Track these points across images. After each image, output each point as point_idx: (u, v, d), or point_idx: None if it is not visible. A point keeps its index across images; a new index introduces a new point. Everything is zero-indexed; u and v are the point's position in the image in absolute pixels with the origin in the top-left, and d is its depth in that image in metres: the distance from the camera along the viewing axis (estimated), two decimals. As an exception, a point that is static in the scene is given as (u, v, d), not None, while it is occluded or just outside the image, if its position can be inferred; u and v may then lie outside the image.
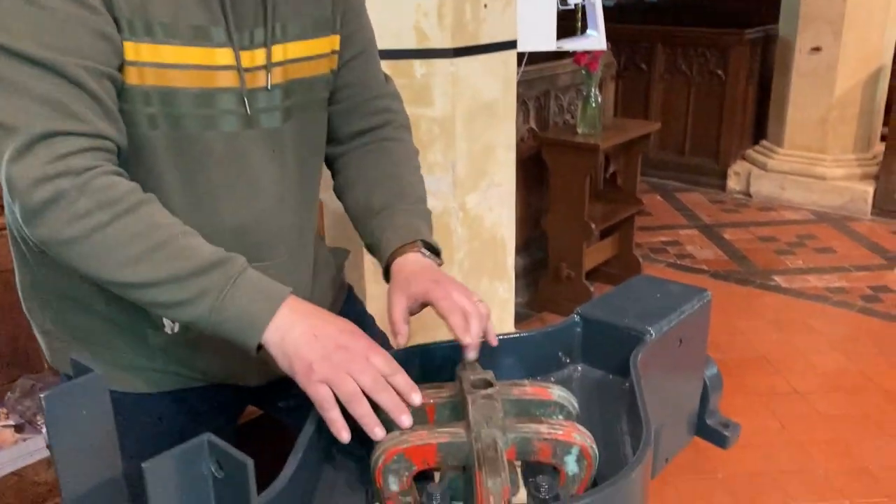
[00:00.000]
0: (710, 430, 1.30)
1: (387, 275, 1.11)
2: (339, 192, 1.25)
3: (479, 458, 0.82)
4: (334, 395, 0.86)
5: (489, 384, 0.92)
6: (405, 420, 0.85)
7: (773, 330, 3.49)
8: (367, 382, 0.86)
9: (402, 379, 0.88)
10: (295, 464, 0.80)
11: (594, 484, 0.91)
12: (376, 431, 0.86)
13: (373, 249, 1.16)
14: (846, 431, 2.72)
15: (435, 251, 1.12)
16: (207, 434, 0.55)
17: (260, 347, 0.90)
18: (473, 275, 2.30)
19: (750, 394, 2.94)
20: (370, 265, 2.16)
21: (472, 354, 0.98)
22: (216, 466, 0.55)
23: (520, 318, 3.37)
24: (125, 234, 0.88)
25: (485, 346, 1.05)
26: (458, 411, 0.92)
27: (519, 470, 0.95)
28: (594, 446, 0.87)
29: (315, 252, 1.18)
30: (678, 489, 2.37)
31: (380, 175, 1.20)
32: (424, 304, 1.04)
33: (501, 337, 1.05)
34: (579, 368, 1.15)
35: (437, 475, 0.96)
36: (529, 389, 0.94)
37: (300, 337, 0.88)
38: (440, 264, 1.12)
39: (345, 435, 0.87)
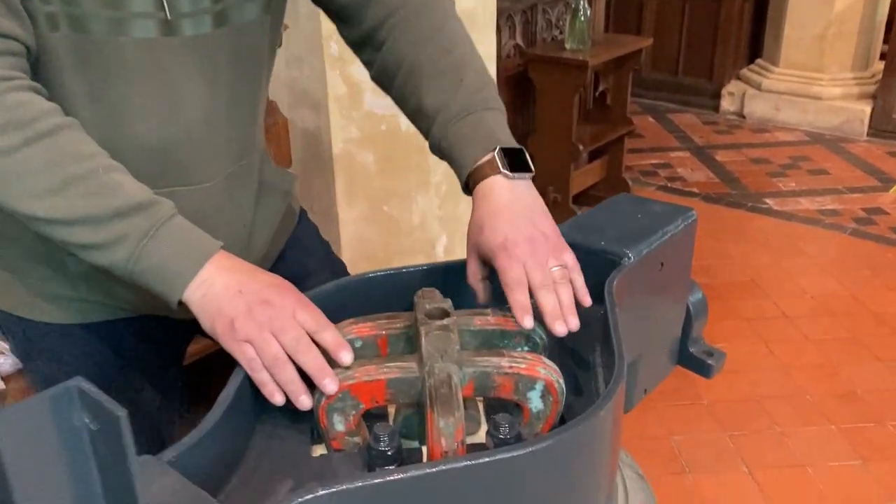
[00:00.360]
0: (693, 358, 1.23)
1: (467, 189, 0.94)
2: (380, 85, 1.05)
3: (431, 396, 0.74)
4: None
5: (445, 313, 0.83)
6: (328, 385, 0.76)
7: (764, 253, 3.42)
8: (287, 342, 0.77)
9: (331, 336, 0.79)
10: (213, 420, 0.71)
11: (562, 421, 0.83)
12: (302, 400, 0.77)
13: (442, 156, 0.97)
14: (834, 355, 2.67)
15: (518, 159, 0.91)
16: (78, 379, 0.46)
17: (181, 303, 0.81)
18: (451, 199, 2.20)
19: (738, 319, 2.88)
20: (343, 189, 2.06)
21: (528, 323, 0.85)
22: (90, 417, 0.46)
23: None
24: (37, 162, 0.77)
25: (445, 271, 0.95)
26: (413, 344, 0.83)
27: (481, 406, 0.87)
28: (560, 381, 0.79)
29: (259, 174, 1.06)
30: (661, 416, 2.33)
31: (424, 57, 0.97)
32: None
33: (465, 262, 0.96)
34: (552, 295, 1.06)
35: (392, 412, 0.88)
36: (492, 319, 0.85)
37: (222, 292, 0.79)
38: (531, 175, 0.92)
39: (278, 398, 0.78)
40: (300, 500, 0.62)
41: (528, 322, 0.84)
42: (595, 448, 0.73)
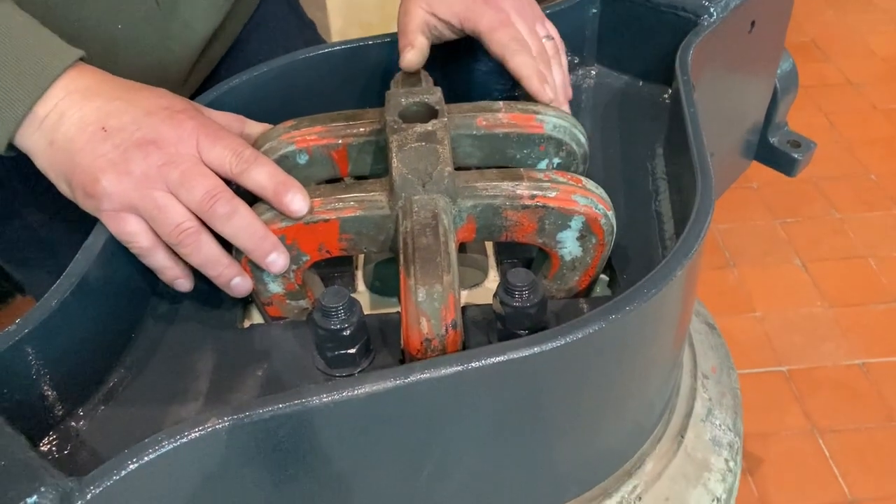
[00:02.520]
0: (774, 151, 0.94)
1: None
2: None
3: (405, 249, 0.47)
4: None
5: (431, 112, 0.54)
6: (275, 261, 0.50)
7: (826, 7, 2.96)
8: (195, 200, 0.49)
9: (266, 171, 0.50)
10: (67, 287, 0.46)
11: (608, 266, 0.57)
12: (237, 284, 0.51)
13: None
14: (905, 127, 2.34)
15: None
16: None
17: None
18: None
19: (794, 87, 2.51)
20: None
21: (549, 93, 0.60)
22: None
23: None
24: None
25: (441, 46, 0.65)
26: (385, 158, 0.55)
27: (491, 251, 0.61)
28: (610, 213, 0.51)
29: None
30: (705, 201, 2.06)
31: None
32: (461, 32, 0.63)
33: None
34: (592, 73, 0.75)
35: (361, 260, 0.61)
36: (505, 117, 0.56)
37: (76, 133, 0.49)
38: None
39: (186, 284, 0.53)
40: (177, 437, 0.37)
41: (549, 92, 0.58)
42: (660, 323, 0.47)
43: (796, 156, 0.93)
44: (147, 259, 0.51)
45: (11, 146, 0.51)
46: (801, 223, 2.03)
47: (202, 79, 0.79)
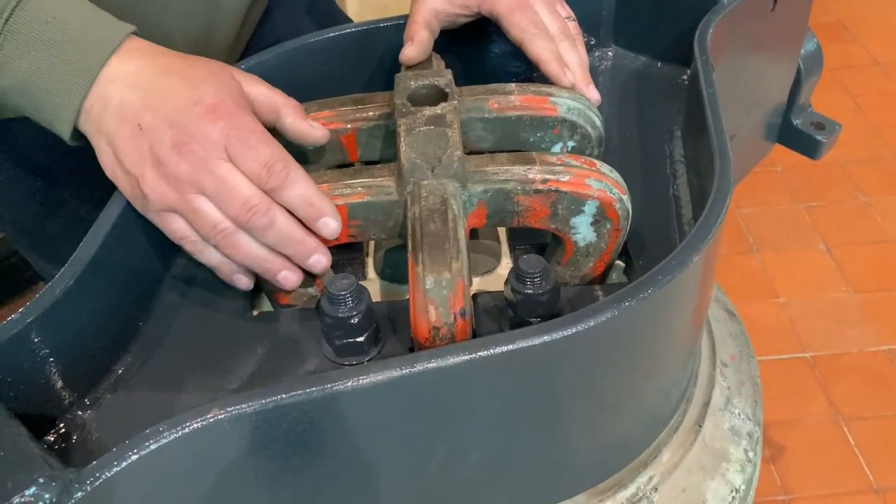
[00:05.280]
0: (797, 134, 0.92)
1: None
2: None
3: (414, 235, 0.46)
4: None
5: (441, 95, 0.52)
6: (318, 262, 0.50)
7: (854, -12, 2.90)
8: (232, 216, 0.48)
9: (298, 196, 0.48)
10: (78, 269, 0.45)
11: (624, 252, 0.55)
12: (285, 277, 0.51)
13: None
14: (934, 109, 2.29)
15: None
16: None
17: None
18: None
19: (820, 68, 2.46)
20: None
21: (570, 77, 0.60)
22: None
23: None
24: None
25: (457, 31, 0.63)
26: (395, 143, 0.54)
27: (503, 237, 0.60)
28: (625, 198, 0.50)
29: None
30: (728, 185, 2.03)
31: None
32: (477, 14, 0.62)
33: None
34: (609, 54, 0.73)
35: (372, 247, 0.61)
36: (518, 99, 0.54)
37: (116, 126, 0.48)
38: None
39: (243, 281, 0.52)
40: (179, 427, 0.37)
41: (569, 76, 0.58)
42: (676, 310, 0.46)
43: (820, 138, 0.91)
44: (200, 257, 0.50)
45: (77, 134, 0.50)
46: (825, 207, 1.99)
47: (242, 49, 0.78)
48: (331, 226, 0.48)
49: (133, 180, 0.48)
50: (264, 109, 0.52)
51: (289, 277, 0.50)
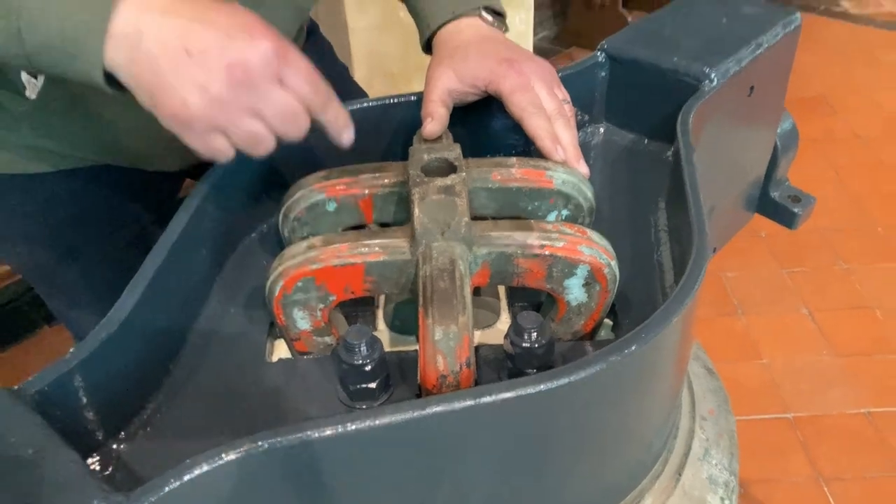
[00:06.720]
0: (774, 205, 0.99)
1: (428, 48, 0.74)
2: None
3: (425, 291, 0.51)
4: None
5: (450, 167, 0.59)
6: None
7: (835, 64, 3.02)
8: (275, 123, 0.53)
9: (334, 113, 0.56)
10: (121, 316, 0.50)
11: (612, 312, 0.61)
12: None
13: (412, 13, 0.77)
14: (911, 182, 2.38)
15: (497, 14, 0.75)
16: None
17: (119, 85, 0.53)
18: (481, 1, 1.86)
19: (803, 139, 2.53)
20: (351, -9, 1.74)
21: (562, 154, 0.66)
22: None
23: (543, 56, 2.91)
24: None
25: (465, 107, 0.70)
26: (407, 208, 0.60)
27: (503, 294, 0.65)
28: (613, 264, 0.56)
29: None
30: (714, 249, 2.10)
31: None
32: (484, 92, 0.68)
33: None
34: (601, 130, 0.80)
35: (382, 300, 0.66)
36: (518, 172, 0.61)
37: (160, 52, 0.50)
38: (505, 31, 0.76)
39: (347, 135, 0.58)
40: (215, 459, 0.41)
41: (560, 152, 0.64)
42: (658, 365, 0.51)
43: (796, 210, 0.98)
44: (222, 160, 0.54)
45: (110, 80, 0.51)
46: (807, 273, 2.06)
47: None
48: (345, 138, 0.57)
49: (176, 103, 0.50)
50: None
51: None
